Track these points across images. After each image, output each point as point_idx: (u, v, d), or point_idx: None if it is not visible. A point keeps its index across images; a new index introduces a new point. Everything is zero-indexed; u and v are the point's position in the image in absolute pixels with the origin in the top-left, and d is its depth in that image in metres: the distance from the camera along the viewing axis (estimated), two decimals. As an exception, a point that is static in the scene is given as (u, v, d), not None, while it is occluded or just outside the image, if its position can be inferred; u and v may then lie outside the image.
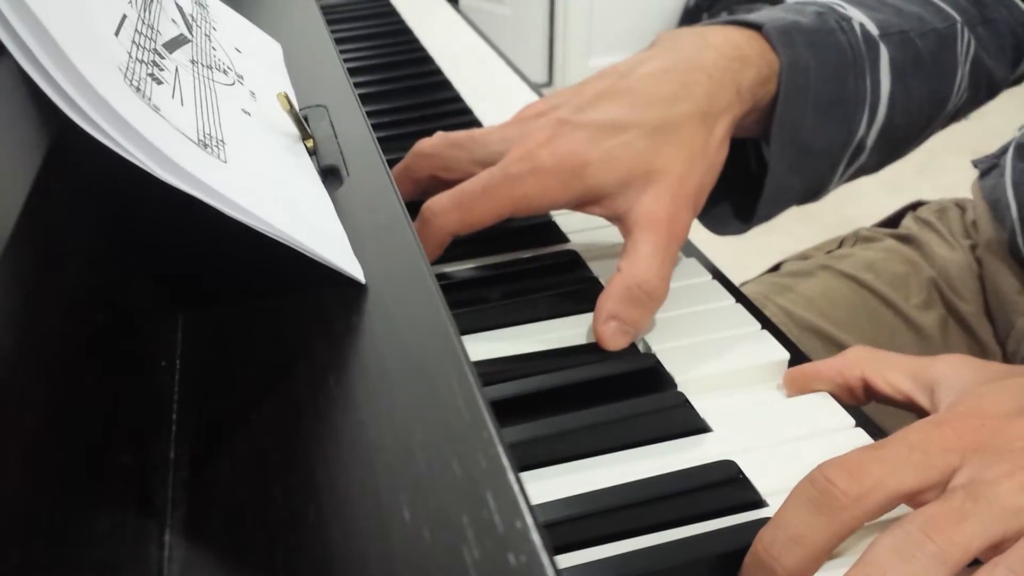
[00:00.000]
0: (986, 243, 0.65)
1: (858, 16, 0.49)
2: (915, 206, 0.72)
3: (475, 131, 0.48)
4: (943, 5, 0.53)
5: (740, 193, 0.50)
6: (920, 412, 0.37)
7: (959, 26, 0.52)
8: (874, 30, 0.49)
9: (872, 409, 0.40)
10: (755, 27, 0.47)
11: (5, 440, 0.22)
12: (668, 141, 0.43)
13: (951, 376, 0.36)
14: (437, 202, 0.46)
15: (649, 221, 0.42)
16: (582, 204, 0.44)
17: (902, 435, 0.32)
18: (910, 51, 0.50)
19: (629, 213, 0.43)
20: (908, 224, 0.70)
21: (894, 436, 0.32)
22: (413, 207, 0.51)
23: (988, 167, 0.67)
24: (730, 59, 0.45)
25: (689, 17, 2.67)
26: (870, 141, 0.50)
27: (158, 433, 0.28)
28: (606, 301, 0.42)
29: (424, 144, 0.49)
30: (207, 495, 0.26)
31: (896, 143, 0.52)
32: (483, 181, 0.45)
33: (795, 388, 0.40)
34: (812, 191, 0.50)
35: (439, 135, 0.49)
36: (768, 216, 0.50)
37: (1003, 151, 0.66)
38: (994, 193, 0.64)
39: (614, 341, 0.42)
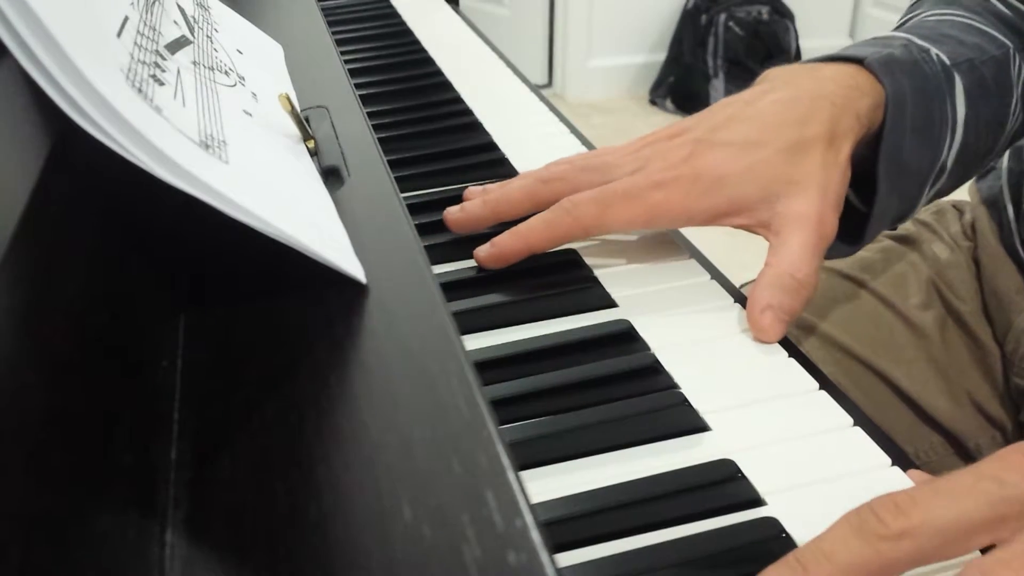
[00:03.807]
0: (984, 244, 0.65)
1: (933, 48, 0.52)
2: (913, 207, 0.72)
3: (606, 157, 0.48)
4: (995, 33, 0.56)
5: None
6: None
7: (1012, 52, 0.55)
8: (947, 60, 0.52)
9: (872, 409, 0.40)
10: (856, 61, 0.50)
11: (8, 440, 0.22)
12: (803, 158, 0.45)
13: None
14: (578, 195, 0.46)
15: (799, 220, 0.44)
16: (722, 215, 0.46)
17: (976, 464, 0.30)
18: (976, 77, 0.53)
19: (776, 216, 0.45)
20: (906, 225, 0.70)
21: (966, 468, 0.30)
22: (413, 208, 0.51)
23: (985, 169, 0.67)
24: (848, 88, 0.48)
25: (687, 19, 2.67)
26: (949, 163, 0.53)
27: (160, 433, 0.28)
28: (760, 292, 0.43)
29: (553, 169, 0.49)
30: (209, 494, 0.26)
31: (968, 164, 0.55)
32: (625, 185, 0.46)
33: None
34: (903, 212, 0.53)
35: (567, 161, 0.49)
36: (872, 238, 0.52)
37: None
38: (991, 195, 0.65)
39: (772, 330, 0.42)
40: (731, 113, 0.48)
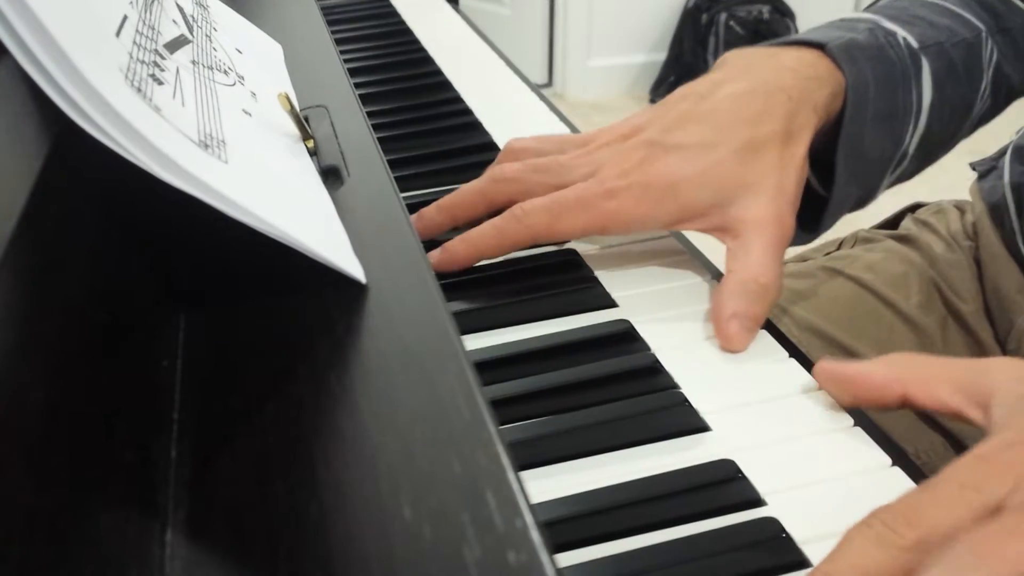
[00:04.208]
0: (985, 244, 0.65)
1: (900, 31, 0.52)
2: (914, 208, 0.72)
3: (560, 156, 0.48)
4: (968, 15, 0.55)
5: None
6: (972, 425, 0.35)
7: (983, 35, 0.55)
8: (915, 43, 0.52)
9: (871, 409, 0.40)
10: (817, 46, 0.49)
11: (8, 439, 0.22)
12: (757, 158, 0.45)
13: (1006, 389, 0.34)
14: (529, 203, 0.46)
15: (757, 223, 0.44)
16: (678, 221, 0.46)
17: (951, 473, 0.31)
18: (945, 61, 0.52)
19: (734, 221, 0.44)
20: (907, 225, 0.70)
21: (944, 475, 0.31)
22: (413, 208, 0.51)
23: (987, 169, 0.67)
24: (806, 79, 0.47)
25: (688, 18, 2.67)
26: (911, 149, 0.52)
27: (160, 432, 0.28)
28: (725, 300, 0.42)
29: (506, 169, 0.48)
30: (208, 493, 0.26)
31: (930, 149, 0.55)
32: (578, 192, 0.45)
33: (832, 386, 0.39)
34: (862, 199, 0.53)
35: (520, 158, 0.49)
36: (830, 225, 0.52)
37: (1001, 153, 0.66)
38: (993, 195, 0.65)
39: (739, 339, 0.42)
40: (685, 110, 0.47)
